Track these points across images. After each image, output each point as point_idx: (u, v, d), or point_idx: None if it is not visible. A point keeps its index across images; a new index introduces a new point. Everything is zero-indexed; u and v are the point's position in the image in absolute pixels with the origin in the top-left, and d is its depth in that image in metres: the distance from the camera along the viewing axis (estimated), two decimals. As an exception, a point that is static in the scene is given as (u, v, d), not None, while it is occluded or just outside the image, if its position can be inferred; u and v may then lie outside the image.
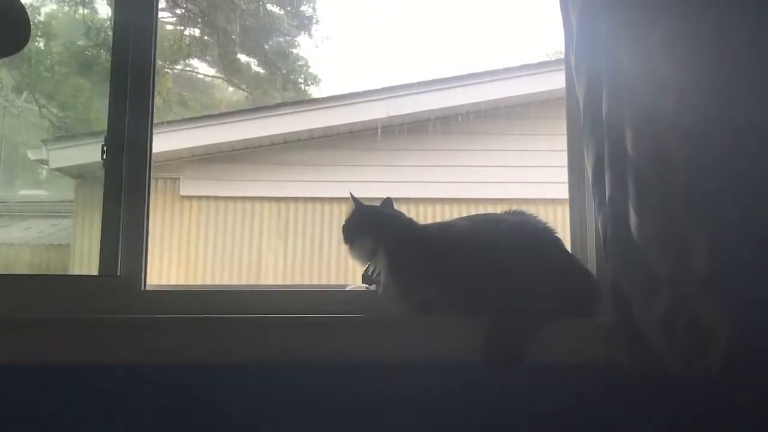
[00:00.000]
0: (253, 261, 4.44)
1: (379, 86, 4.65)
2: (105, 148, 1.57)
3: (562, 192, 1.61)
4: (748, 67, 1.43)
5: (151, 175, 1.57)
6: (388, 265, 1.44)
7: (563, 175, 1.60)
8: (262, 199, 4.54)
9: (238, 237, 4.46)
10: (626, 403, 1.38)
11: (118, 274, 1.52)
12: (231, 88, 5.88)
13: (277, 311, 1.46)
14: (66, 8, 5.25)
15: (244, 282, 4.40)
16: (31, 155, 4.58)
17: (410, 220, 1.55)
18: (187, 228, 4.47)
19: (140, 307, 1.47)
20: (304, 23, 5.91)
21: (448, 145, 4.61)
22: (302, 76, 5.92)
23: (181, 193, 4.49)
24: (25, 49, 1.59)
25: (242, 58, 5.69)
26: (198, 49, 5.50)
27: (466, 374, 1.36)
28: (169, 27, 5.37)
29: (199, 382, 1.39)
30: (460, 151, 4.58)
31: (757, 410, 1.36)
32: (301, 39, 5.91)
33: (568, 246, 1.51)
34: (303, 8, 5.95)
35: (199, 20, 5.45)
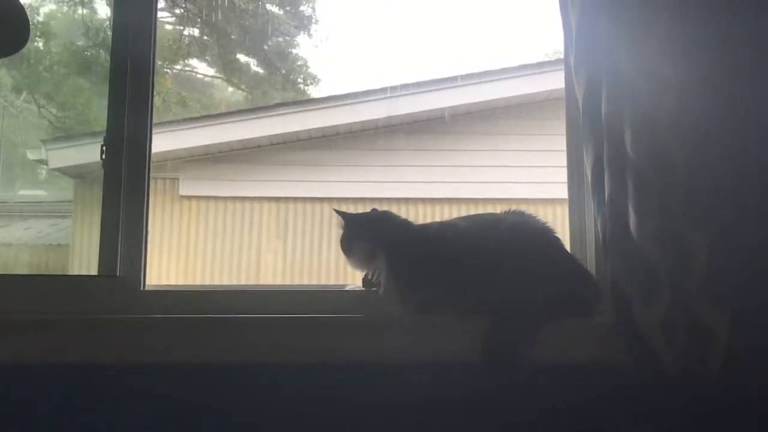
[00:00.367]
0: (252, 261, 4.43)
1: (378, 86, 4.64)
2: (104, 148, 1.57)
3: (562, 192, 1.61)
4: (747, 67, 1.43)
5: (151, 175, 1.58)
6: (387, 266, 1.44)
7: (563, 175, 1.60)
8: (261, 199, 4.54)
9: (238, 237, 4.45)
10: (626, 404, 1.38)
11: (118, 274, 1.52)
12: (230, 88, 5.87)
13: (277, 311, 1.46)
14: (65, 8, 5.24)
15: (243, 282, 4.39)
16: (30, 155, 4.57)
17: (406, 221, 1.55)
18: (186, 228, 4.46)
19: (139, 307, 1.47)
20: (304, 23, 5.90)
21: (448, 145, 4.61)
22: (302, 76, 5.91)
23: (181, 193, 4.48)
24: (25, 49, 1.59)
25: (241, 58, 5.68)
26: (197, 48, 5.50)
27: (465, 374, 1.36)
28: (169, 27, 5.36)
29: (199, 382, 1.39)
30: (459, 151, 4.58)
31: (757, 411, 1.36)
32: (301, 39, 5.90)
33: (567, 246, 1.51)
34: (302, 8, 5.94)
35: (199, 20, 5.45)
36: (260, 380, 1.39)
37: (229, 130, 4.56)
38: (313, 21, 5.91)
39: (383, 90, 4.60)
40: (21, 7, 1.41)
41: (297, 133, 4.58)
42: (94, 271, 1.55)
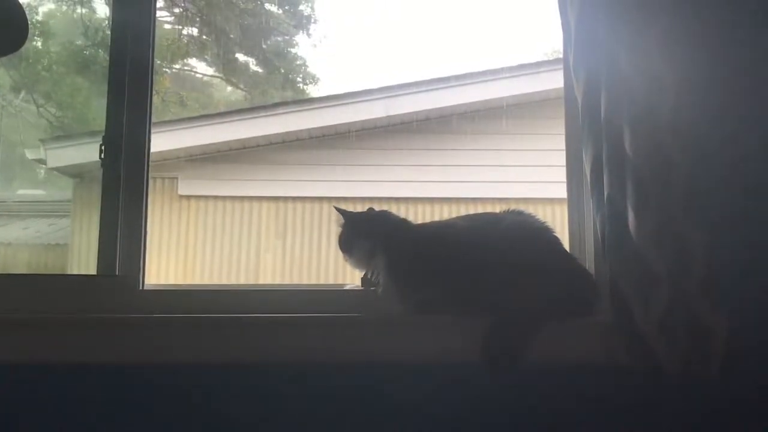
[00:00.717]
0: (251, 260, 4.43)
1: (377, 86, 4.64)
2: (103, 147, 1.57)
3: (561, 191, 1.61)
4: (746, 67, 1.43)
5: (149, 174, 1.58)
6: (386, 265, 1.44)
7: (562, 174, 1.60)
8: (260, 198, 4.54)
9: (237, 236, 4.45)
10: (625, 403, 1.38)
11: (117, 273, 1.52)
12: (229, 88, 5.87)
13: (276, 311, 1.46)
14: (64, 8, 5.24)
15: (242, 281, 4.39)
16: (29, 155, 4.57)
17: (404, 220, 1.55)
18: (185, 228, 4.46)
19: (138, 306, 1.47)
20: (303, 23, 5.90)
21: (447, 145, 4.60)
22: (300, 75, 5.91)
23: (180, 192, 4.48)
24: (23, 49, 1.58)
25: (240, 57, 5.68)
26: (196, 48, 5.49)
27: (464, 374, 1.36)
28: (167, 26, 5.36)
29: (198, 382, 1.38)
30: (458, 151, 4.57)
31: (756, 410, 1.37)
32: (300, 38, 5.90)
33: (566, 245, 1.51)
34: (301, 7, 5.94)
35: (198, 19, 5.44)
36: (259, 379, 1.39)
37: (228, 130, 4.55)
38: (312, 20, 5.91)
39: (382, 89, 4.60)
40: (20, 6, 1.40)
41: (296, 132, 4.58)
42: (93, 271, 1.55)
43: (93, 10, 5.07)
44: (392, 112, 4.52)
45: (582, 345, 1.37)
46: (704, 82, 1.38)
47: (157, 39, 1.64)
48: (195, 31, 5.52)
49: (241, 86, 5.80)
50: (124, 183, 1.54)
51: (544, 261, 1.41)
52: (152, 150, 1.58)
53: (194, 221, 4.48)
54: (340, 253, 1.57)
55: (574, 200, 1.58)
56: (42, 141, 4.47)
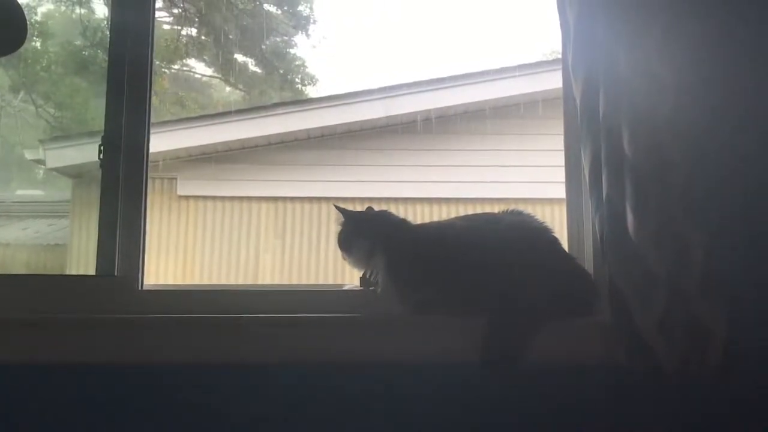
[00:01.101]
0: (250, 261, 4.43)
1: (376, 86, 4.65)
2: (102, 147, 1.57)
3: (560, 192, 1.61)
4: (746, 66, 1.43)
5: (148, 175, 1.57)
6: (385, 265, 1.44)
7: (560, 174, 1.60)
8: (259, 199, 4.54)
9: (236, 237, 4.45)
10: (624, 403, 1.38)
11: (115, 274, 1.52)
12: (228, 88, 5.88)
13: (274, 311, 1.46)
14: (63, 8, 5.24)
15: (241, 282, 4.39)
16: (28, 155, 4.57)
17: (404, 220, 1.56)
18: (184, 228, 4.46)
19: (137, 306, 1.47)
20: (301, 23, 5.91)
21: (446, 145, 4.61)
22: (299, 76, 5.92)
23: (179, 193, 4.49)
24: (22, 49, 1.58)
25: (239, 58, 5.69)
26: (195, 48, 5.50)
27: (463, 374, 1.36)
28: (166, 27, 5.36)
29: (197, 382, 1.38)
30: (457, 151, 4.58)
31: (755, 410, 1.37)
32: (298, 39, 5.92)
33: (565, 246, 1.51)
34: (300, 8, 5.95)
35: (196, 20, 5.45)
36: (258, 380, 1.39)
37: (227, 130, 4.56)
38: (311, 21, 5.92)
39: (381, 90, 4.61)
40: (18, 7, 1.40)
41: (295, 132, 4.58)
42: (91, 271, 1.55)
43: (92, 11, 5.07)
44: (391, 113, 4.52)
45: (581, 345, 1.37)
46: (703, 82, 1.38)
47: (156, 39, 1.64)
48: (194, 32, 5.53)
49: (240, 87, 5.81)
50: (123, 183, 1.54)
51: (543, 261, 1.41)
52: (151, 150, 1.58)
53: (193, 221, 4.48)
54: (339, 253, 1.57)
55: (573, 200, 1.58)
56: (41, 141, 4.48)
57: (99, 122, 1.59)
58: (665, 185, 1.29)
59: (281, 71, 5.79)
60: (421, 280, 1.42)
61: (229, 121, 4.66)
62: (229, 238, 4.45)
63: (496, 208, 1.57)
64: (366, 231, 1.52)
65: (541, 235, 1.47)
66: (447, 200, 4.47)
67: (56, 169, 4.52)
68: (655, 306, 1.27)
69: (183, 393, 1.38)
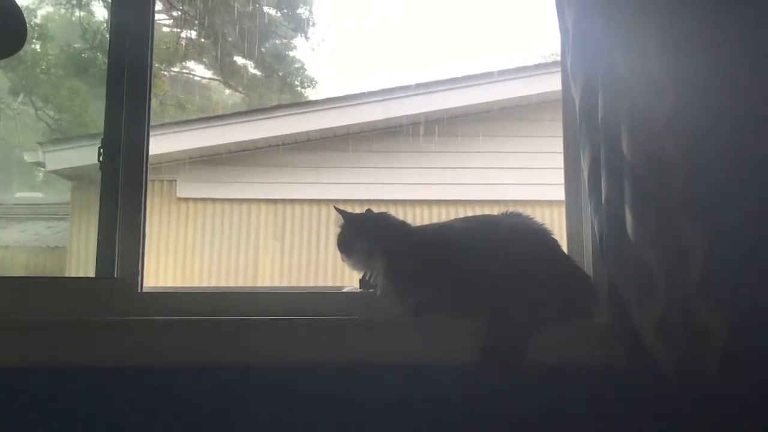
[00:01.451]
0: (249, 263, 4.43)
1: (375, 88, 4.65)
2: (101, 150, 1.57)
3: (559, 194, 1.62)
4: (745, 67, 1.43)
5: (148, 177, 1.57)
6: (385, 267, 1.44)
7: (560, 176, 1.61)
8: (258, 201, 4.54)
9: (235, 239, 4.45)
10: (623, 405, 1.38)
11: (115, 276, 1.52)
12: (228, 91, 5.88)
13: (274, 313, 1.46)
14: (62, 11, 5.24)
15: (240, 284, 4.39)
16: (28, 158, 4.57)
17: (403, 222, 1.55)
18: (183, 230, 4.46)
19: (137, 309, 1.47)
20: (301, 26, 5.92)
21: (445, 147, 4.61)
22: (299, 78, 5.92)
23: (178, 195, 4.48)
24: (22, 52, 1.59)
25: (239, 60, 5.69)
26: (194, 51, 5.50)
27: (463, 376, 1.36)
28: (166, 29, 5.36)
29: (196, 384, 1.38)
30: (456, 153, 4.58)
31: (754, 412, 1.36)
32: (298, 41, 5.92)
33: (564, 247, 1.51)
34: (299, 11, 5.96)
35: (196, 22, 5.45)
36: (258, 382, 1.39)
37: (227, 133, 4.56)
38: (310, 24, 5.93)
39: (380, 92, 4.61)
40: (18, 9, 1.40)
41: (294, 135, 4.58)
42: (91, 273, 1.55)
43: (91, 13, 5.08)
44: (390, 115, 4.52)
45: (580, 347, 1.37)
46: (702, 83, 1.38)
47: (155, 42, 1.64)
48: (193, 34, 5.53)
49: (240, 89, 5.81)
50: (122, 185, 1.54)
51: (542, 263, 1.41)
52: (151, 152, 1.58)
53: (193, 224, 4.48)
54: (339, 256, 1.57)
55: (572, 202, 1.58)
56: (40, 144, 4.48)
57: (98, 125, 1.59)
58: (664, 187, 1.29)
59: (280, 74, 5.79)
60: (420, 281, 1.42)
61: (228, 123, 4.66)
62: (229, 240, 4.45)
63: (495, 210, 1.57)
64: (365, 233, 1.52)
65: (541, 236, 1.47)
66: (446, 202, 4.47)
67: (56, 172, 4.52)
68: (655, 307, 1.27)
69: (183, 395, 1.38)
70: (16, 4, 1.40)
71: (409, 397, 1.38)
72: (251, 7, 5.64)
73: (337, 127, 4.60)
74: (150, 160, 1.58)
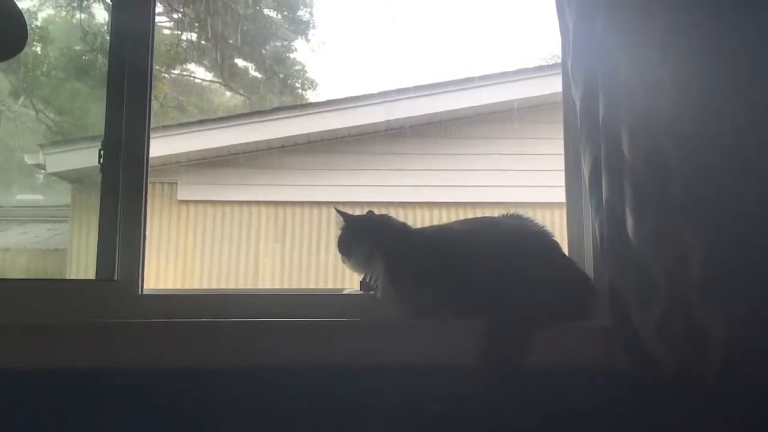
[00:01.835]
0: (250, 265, 4.43)
1: (376, 90, 4.65)
2: (102, 152, 1.57)
3: (560, 195, 1.62)
4: (745, 70, 1.43)
5: (148, 179, 1.58)
6: (385, 269, 1.44)
7: (560, 178, 1.61)
8: (259, 203, 4.54)
9: (236, 241, 4.45)
10: (623, 406, 1.38)
11: (115, 278, 1.52)
12: (228, 93, 5.88)
13: (274, 315, 1.46)
14: (63, 13, 5.24)
15: (241, 286, 4.39)
16: (28, 160, 4.57)
17: (404, 224, 1.56)
18: (184, 232, 4.46)
19: (137, 311, 1.47)
20: (301, 28, 5.91)
21: (446, 149, 4.61)
22: (299, 80, 5.92)
23: (179, 197, 4.48)
24: (22, 54, 1.59)
25: (239, 62, 5.69)
26: (195, 53, 5.50)
27: (463, 378, 1.36)
28: (166, 31, 5.36)
29: (197, 386, 1.38)
30: (457, 155, 4.58)
31: (754, 414, 1.36)
32: (298, 43, 5.92)
33: (565, 249, 1.51)
34: (300, 13, 5.96)
35: (196, 25, 5.45)
36: (258, 384, 1.39)
37: (227, 135, 4.56)
38: (311, 26, 5.93)
39: (381, 94, 4.61)
40: (19, 12, 1.41)
41: (295, 137, 4.58)
42: (91, 276, 1.55)
43: (92, 16, 5.08)
44: (391, 117, 4.52)
45: (581, 348, 1.37)
46: (703, 85, 1.38)
47: (156, 44, 1.64)
48: (194, 37, 5.53)
49: (241, 91, 5.81)
50: (123, 188, 1.55)
51: (542, 265, 1.41)
52: (151, 155, 1.58)
53: (193, 226, 4.48)
54: (339, 257, 1.57)
55: (572, 204, 1.58)
56: (41, 146, 4.47)
57: (99, 127, 1.59)
58: (665, 189, 1.29)
59: (281, 76, 5.79)
60: (420, 283, 1.42)
61: (229, 125, 4.66)
62: (229, 242, 4.44)
63: (496, 212, 1.57)
64: (366, 235, 1.52)
65: (541, 238, 1.47)
66: (447, 204, 4.47)
67: (56, 174, 4.52)
68: (655, 309, 1.27)
69: (183, 397, 1.38)
70: (17, 7, 1.41)
71: (409, 399, 1.38)
72: (252, 10, 5.65)
73: (338, 129, 4.60)
74: (150, 162, 1.58)
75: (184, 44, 5.42)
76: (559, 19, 1.50)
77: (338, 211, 1.58)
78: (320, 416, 1.39)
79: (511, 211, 1.56)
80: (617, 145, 1.34)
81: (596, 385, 1.37)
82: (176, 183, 4.47)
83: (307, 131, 4.58)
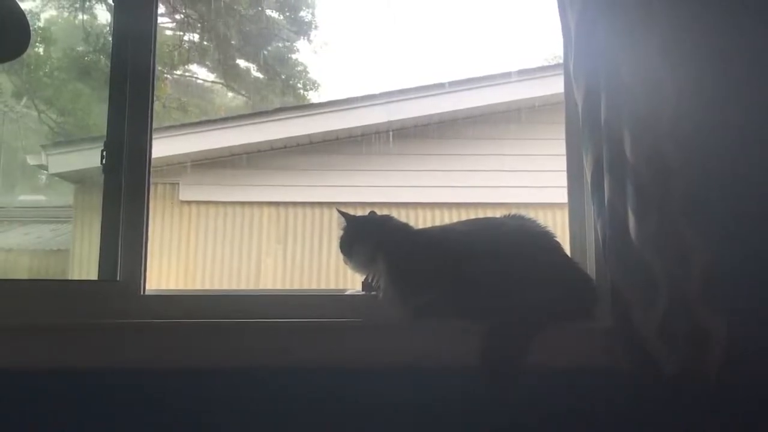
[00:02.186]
0: (252, 266, 4.43)
1: (378, 91, 4.65)
2: (104, 153, 1.57)
3: (562, 196, 1.62)
4: (746, 71, 1.43)
5: (151, 180, 1.58)
6: (387, 269, 1.44)
7: (563, 179, 1.60)
8: (261, 204, 4.54)
9: (238, 242, 4.45)
10: (624, 407, 1.38)
11: (118, 279, 1.52)
12: (230, 94, 5.89)
13: (276, 316, 1.46)
14: (65, 14, 5.25)
15: (243, 287, 4.39)
16: (31, 160, 4.58)
17: (406, 225, 1.56)
18: (186, 233, 4.46)
19: (139, 312, 1.47)
20: (303, 29, 5.92)
21: (448, 150, 4.61)
22: (301, 81, 5.92)
23: (181, 198, 4.49)
24: (25, 55, 1.59)
25: (241, 63, 5.70)
26: (197, 54, 5.51)
27: (464, 378, 1.36)
28: (169, 32, 5.37)
29: (199, 387, 1.38)
30: (459, 156, 4.58)
31: (755, 414, 1.36)
32: (300, 44, 5.93)
33: (567, 250, 1.51)
34: (302, 14, 5.96)
35: (199, 25, 5.46)
36: (260, 384, 1.39)
37: (229, 135, 4.56)
38: (313, 27, 5.93)
39: (383, 95, 4.61)
40: (21, 13, 1.41)
41: (297, 137, 4.59)
42: (94, 276, 1.55)
43: (94, 17, 5.09)
44: (393, 118, 4.52)
45: (582, 349, 1.37)
46: (705, 86, 1.38)
47: (158, 45, 1.65)
48: (196, 37, 5.54)
49: (242, 92, 5.82)
50: (125, 188, 1.55)
51: (544, 266, 1.41)
52: (153, 155, 1.59)
53: (195, 226, 4.48)
54: (341, 258, 1.56)
55: (574, 205, 1.58)
56: (43, 147, 4.48)
57: (101, 128, 1.60)
58: (667, 190, 1.29)
59: (283, 76, 5.80)
60: (422, 284, 1.42)
61: (231, 126, 4.67)
62: (231, 242, 4.45)
63: (498, 213, 1.57)
64: (368, 235, 1.52)
65: (543, 239, 1.47)
66: (449, 205, 4.47)
67: (59, 175, 4.53)
68: (657, 309, 1.27)
69: (184, 397, 1.38)
70: (20, 8, 1.41)
71: (411, 400, 1.38)
72: (254, 10, 5.65)
73: (340, 130, 4.61)
74: (153, 163, 1.58)
75: (186, 45, 5.42)
76: (561, 19, 1.50)
77: (340, 212, 1.58)
78: (321, 416, 1.39)
79: (513, 211, 1.56)
80: (619, 146, 1.34)
81: (597, 386, 1.37)
82: (178, 184, 4.47)
83: (309, 132, 4.58)
